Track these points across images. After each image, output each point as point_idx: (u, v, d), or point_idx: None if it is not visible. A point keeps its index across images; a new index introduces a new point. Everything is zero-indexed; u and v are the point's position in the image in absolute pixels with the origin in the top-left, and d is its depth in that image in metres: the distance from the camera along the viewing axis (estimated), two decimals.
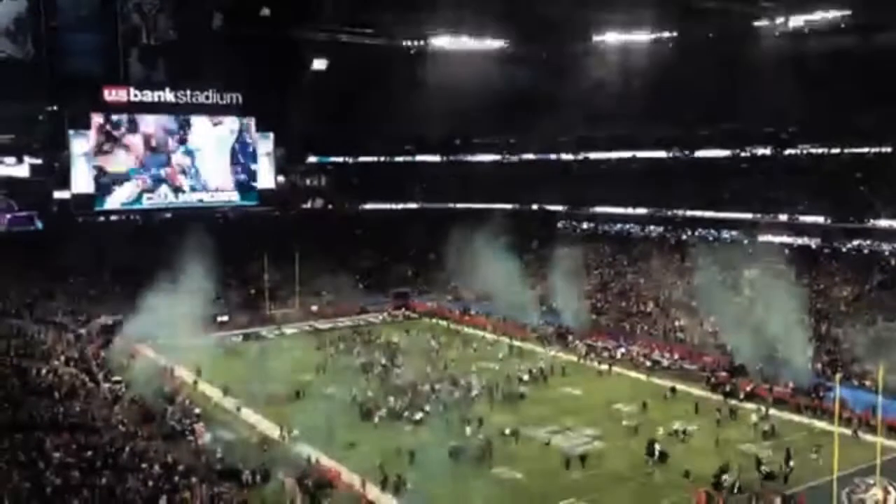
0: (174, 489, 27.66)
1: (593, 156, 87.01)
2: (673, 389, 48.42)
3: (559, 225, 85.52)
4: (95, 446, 30.49)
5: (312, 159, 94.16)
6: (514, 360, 56.42)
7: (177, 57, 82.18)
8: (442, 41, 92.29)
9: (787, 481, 34.04)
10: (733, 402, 45.89)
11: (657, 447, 37.53)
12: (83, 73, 77.93)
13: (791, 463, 34.97)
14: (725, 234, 70.39)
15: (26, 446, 28.90)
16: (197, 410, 43.31)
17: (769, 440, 39.80)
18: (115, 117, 77.01)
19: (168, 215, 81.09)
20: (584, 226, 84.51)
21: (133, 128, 77.99)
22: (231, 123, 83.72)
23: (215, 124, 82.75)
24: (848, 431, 38.71)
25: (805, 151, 69.67)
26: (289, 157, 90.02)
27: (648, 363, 54.93)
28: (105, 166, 76.70)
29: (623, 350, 57.66)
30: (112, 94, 76.23)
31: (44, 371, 41.45)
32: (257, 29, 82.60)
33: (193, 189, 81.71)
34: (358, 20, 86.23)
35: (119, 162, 77.58)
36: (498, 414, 43.48)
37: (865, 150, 65.66)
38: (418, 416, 42.28)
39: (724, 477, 34.07)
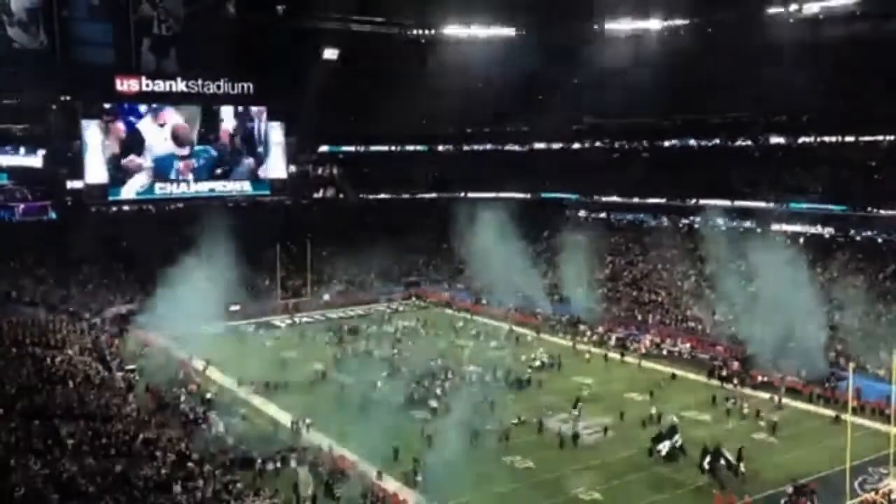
0: (188, 477, 27.83)
1: (604, 144, 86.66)
2: (673, 376, 49.17)
3: (570, 214, 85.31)
4: (110, 434, 30.69)
5: (324, 149, 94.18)
6: (522, 347, 56.59)
7: (188, 46, 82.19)
8: (453, 30, 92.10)
9: (738, 476, 33.67)
10: (729, 386, 46.70)
11: (580, 404, 41.76)
12: (95, 63, 78.07)
13: (742, 464, 34.22)
14: (738, 223, 69.96)
15: (42, 434, 29.13)
16: (209, 397, 43.64)
17: (776, 430, 39.86)
18: (126, 107, 77.18)
19: (180, 205, 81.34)
20: (596, 215, 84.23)
21: (144, 117, 78.12)
22: (242, 113, 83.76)
23: (226, 114, 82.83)
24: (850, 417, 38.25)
25: (819, 140, 69.20)
26: (300, 146, 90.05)
27: (661, 352, 55.04)
28: (117, 156, 76.85)
29: (635, 339, 57.67)
30: (124, 84, 76.36)
31: (58, 360, 41.68)
32: (269, 18, 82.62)
33: (205, 179, 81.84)
34: (369, 9, 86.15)
35: (131, 152, 77.71)
36: (509, 402, 43.53)
37: (880, 137, 65.19)
38: (432, 404, 42.41)
39: (660, 447, 35.93)
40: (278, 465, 34.11)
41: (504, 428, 39.17)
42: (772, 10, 72.95)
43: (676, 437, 36.31)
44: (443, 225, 78.97)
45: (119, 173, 76.88)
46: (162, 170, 79.00)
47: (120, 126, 76.98)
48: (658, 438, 36.71)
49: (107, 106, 76.24)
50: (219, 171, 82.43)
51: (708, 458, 34.27)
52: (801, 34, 70.52)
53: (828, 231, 65.31)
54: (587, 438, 39.06)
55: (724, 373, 48.83)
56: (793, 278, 49.80)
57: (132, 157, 77.52)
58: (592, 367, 52.23)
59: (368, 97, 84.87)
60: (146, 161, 78.17)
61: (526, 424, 40.25)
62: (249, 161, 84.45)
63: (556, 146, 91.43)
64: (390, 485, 32.69)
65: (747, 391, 46.38)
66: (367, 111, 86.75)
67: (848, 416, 32.94)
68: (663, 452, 35.98)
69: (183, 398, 42.82)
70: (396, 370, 49.00)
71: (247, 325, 63.74)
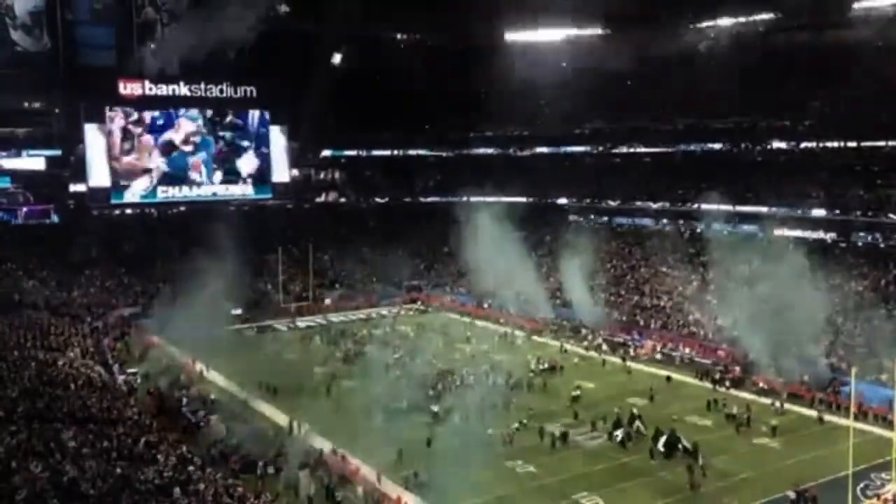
0: (189, 480, 27.83)
1: (606, 149, 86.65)
2: (668, 378, 49.87)
3: (572, 218, 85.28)
4: (111, 437, 30.69)
5: (326, 153, 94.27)
6: (513, 350, 56.97)
7: (190, 51, 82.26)
8: (455, 33, 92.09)
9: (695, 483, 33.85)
10: (721, 389, 47.41)
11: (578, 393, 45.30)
12: (99, 67, 78.25)
13: (701, 462, 35.15)
14: (740, 228, 69.85)
15: (43, 437, 29.14)
16: (212, 399, 43.67)
17: (775, 434, 39.93)
18: (129, 110, 77.35)
19: (183, 209, 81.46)
20: (598, 219, 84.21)
21: (147, 121, 78.32)
22: (245, 117, 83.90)
23: (229, 118, 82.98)
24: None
25: (821, 145, 69.18)
26: (303, 150, 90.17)
27: (663, 357, 55.13)
28: (120, 159, 77.06)
29: (638, 344, 57.74)
30: (127, 88, 76.56)
31: (60, 363, 41.75)
32: (271, 22, 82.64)
33: (208, 182, 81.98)
34: (371, 14, 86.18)
35: (134, 155, 77.92)
36: (511, 407, 43.48)
37: (882, 143, 65.18)
38: (433, 408, 42.37)
39: (617, 432, 38.93)
40: (279, 468, 34.08)
41: (506, 432, 39.11)
42: (772, 16, 72.99)
43: (636, 424, 39.46)
44: (445, 229, 78.98)
45: (128, 178, 77.41)
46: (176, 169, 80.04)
47: (148, 138, 77.99)
48: (617, 425, 39.49)
49: (134, 117, 77.15)
50: (221, 173, 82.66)
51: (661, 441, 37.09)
52: (804, 39, 70.58)
53: (830, 236, 65.19)
54: (589, 443, 39.10)
55: (716, 376, 49.46)
56: (795, 283, 49.76)
57: (132, 159, 77.85)
58: (594, 372, 52.19)
59: (371, 101, 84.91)
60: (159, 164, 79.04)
61: (528, 429, 40.19)
62: (251, 164, 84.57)
63: (557, 150, 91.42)
64: (392, 489, 32.64)
65: (745, 395, 46.41)
66: (370, 115, 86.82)
67: (850, 422, 32.80)
68: (618, 438, 38.63)
69: (185, 401, 42.88)
70: (398, 374, 48.92)
71: (248, 328, 63.74)
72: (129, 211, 79.67)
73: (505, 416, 41.29)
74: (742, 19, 75.71)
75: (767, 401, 45.09)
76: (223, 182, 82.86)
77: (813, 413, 43.36)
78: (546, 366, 52.01)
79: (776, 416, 42.18)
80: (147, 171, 78.37)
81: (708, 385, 48.72)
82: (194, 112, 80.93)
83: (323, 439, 37.58)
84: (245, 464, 34.21)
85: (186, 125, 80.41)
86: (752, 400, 45.19)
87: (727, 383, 48.26)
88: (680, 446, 36.83)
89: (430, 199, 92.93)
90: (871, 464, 34.38)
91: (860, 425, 36.66)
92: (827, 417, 42.41)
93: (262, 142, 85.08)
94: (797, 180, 67.99)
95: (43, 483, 24.68)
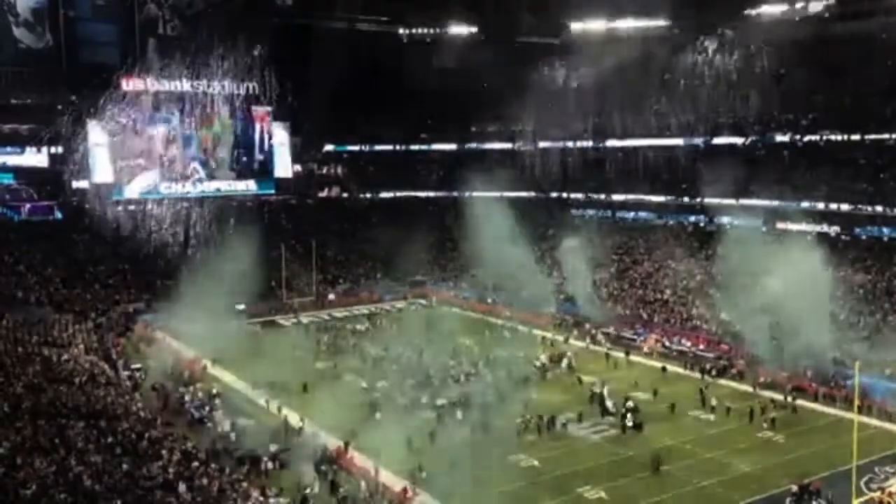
0: (193, 475, 27.92)
1: (610, 144, 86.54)
2: (664, 369, 50.42)
3: (575, 213, 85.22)
4: (116, 433, 30.80)
5: (329, 148, 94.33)
6: (504, 344, 56.86)
7: (193, 47, 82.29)
8: (456, 29, 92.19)
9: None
10: (709, 379, 48.12)
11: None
12: (101, 63, 78.25)
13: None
14: (743, 222, 69.73)
15: (48, 433, 29.25)
16: (216, 394, 43.75)
17: (775, 427, 40.00)
18: (133, 107, 77.33)
19: (186, 205, 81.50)
20: (601, 214, 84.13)
21: (150, 117, 78.35)
22: (247, 113, 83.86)
23: (231, 114, 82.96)
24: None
25: (825, 138, 69.04)
26: (305, 145, 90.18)
27: (665, 351, 55.15)
28: (123, 156, 77.08)
29: (641, 338, 57.74)
30: (129, 84, 76.53)
31: (64, 359, 41.87)
32: (274, 18, 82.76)
33: (211, 178, 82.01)
34: (373, 8, 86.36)
35: (137, 152, 77.96)
36: (514, 401, 43.48)
37: (886, 136, 65.04)
38: (437, 402, 42.38)
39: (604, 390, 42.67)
40: (284, 464, 34.17)
41: (509, 426, 39.13)
42: (777, 9, 72.83)
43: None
44: (448, 224, 78.98)
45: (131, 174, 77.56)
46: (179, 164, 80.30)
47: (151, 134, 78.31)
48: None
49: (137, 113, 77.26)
50: (224, 169, 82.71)
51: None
52: (807, 32, 70.38)
53: (833, 229, 65.10)
54: (592, 437, 39.13)
55: (706, 366, 49.94)
56: (798, 277, 49.72)
57: (135, 155, 77.87)
58: (597, 366, 52.15)
59: (373, 96, 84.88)
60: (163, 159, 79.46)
61: (531, 423, 40.20)
62: (254, 160, 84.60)
63: (560, 145, 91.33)
64: (396, 483, 32.69)
65: (747, 388, 46.47)
66: (372, 110, 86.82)
67: (854, 415, 32.79)
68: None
69: (188, 397, 42.98)
70: (402, 369, 48.98)
71: (252, 324, 63.77)
72: (132, 207, 79.71)
73: (508, 411, 41.27)
74: (745, 14, 75.66)
75: (770, 395, 45.04)
76: (226, 178, 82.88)
77: (817, 406, 43.36)
78: (547, 363, 51.94)
79: (778, 410, 42.13)
80: (150, 167, 78.40)
81: (706, 378, 48.71)
82: (197, 108, 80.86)
83: (327, 434, 37.62)
84: (248, 458, 34.29)
85: (189, 121, 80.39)
86: (754, 394, 45.16)
87: (714, 372, 48.97)
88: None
89: (433, 194, 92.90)
90: (874, 457, 34.44)
91: (864, 419, 36.67)
92: (832, 411, 42.37)
93: (264, 137, 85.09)
94: (801, 174, 67.84)
95: (48, 479, 24.78)
